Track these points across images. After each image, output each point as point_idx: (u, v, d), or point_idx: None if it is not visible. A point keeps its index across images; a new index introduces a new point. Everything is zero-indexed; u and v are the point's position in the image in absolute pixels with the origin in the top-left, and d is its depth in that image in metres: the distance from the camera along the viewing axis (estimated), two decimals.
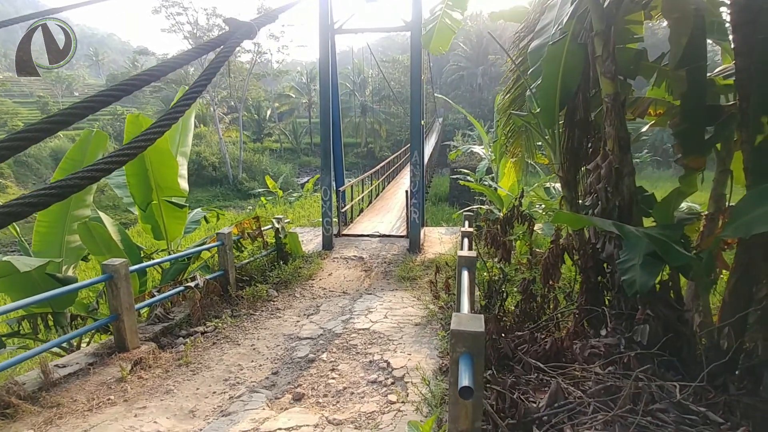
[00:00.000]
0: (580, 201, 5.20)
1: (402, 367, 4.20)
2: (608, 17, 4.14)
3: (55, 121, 0.92)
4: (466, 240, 5.60)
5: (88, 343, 5.75)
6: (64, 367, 4.21)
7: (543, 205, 12.12)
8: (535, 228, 7.18)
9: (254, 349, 4.89)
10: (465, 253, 3.97)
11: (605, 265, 4.46)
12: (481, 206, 14.10)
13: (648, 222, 4.38)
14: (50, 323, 5.48)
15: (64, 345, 5.69)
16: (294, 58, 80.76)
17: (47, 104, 48.26)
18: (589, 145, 5.37)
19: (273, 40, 40.63)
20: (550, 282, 5.01)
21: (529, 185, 14.70)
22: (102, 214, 6.60)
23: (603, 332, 3.88)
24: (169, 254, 7.07)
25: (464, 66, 57.31)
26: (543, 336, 4.03)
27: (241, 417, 3.54)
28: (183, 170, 7.24)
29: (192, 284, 5.74)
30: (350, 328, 5.29)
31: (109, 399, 3.82)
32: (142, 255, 7.28)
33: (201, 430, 3.41)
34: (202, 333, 5.30)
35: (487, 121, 32.83)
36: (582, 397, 2.58)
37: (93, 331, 5.62)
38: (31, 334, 5.44)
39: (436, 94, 39.03)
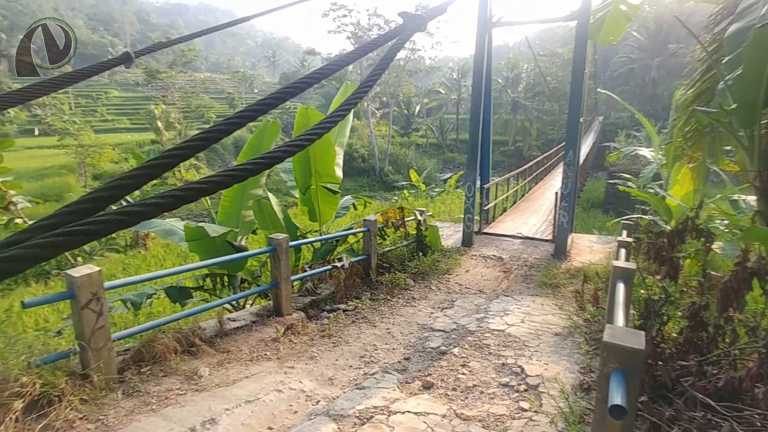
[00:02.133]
0: None
1: (537, 375, 3.98)
2: None
3: (243, 116, 1.05)
4: (623, 250, 5.04)
5: (251, 305, 6.65)
6: (234, 321, 4.94)
7: (726, 221, 10.25)
8: (712, 247, 6.14)
9: (389, 332, 5.11)
10: (622, 264, 3.58)
11: None
12: (643, 216, 12.50)
13: None
14: (225, 283, 6.48)
15: (233, 303, 6.67)
16: (446, 54, 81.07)
17: (234, 99, 56.67)
18: None
19: (427, 36, 41.45)
20: (730, 311, 4.23)
21: (708, 196, 12.57)
22: (270, 195, 7.54)
23: None
24: (321, 235, 7.76)
25: (636, 58, 50.99)
26: (715, 371, 3.43)
27: (373, 393, 3.74)
28: (339, 159, 7.84)
29: (339, 264, 6.22)
30: (484, 327, 5.19)
31: (265, 354, 4.38)
32: (298, 233, 8.13)
33: (338, 397, 3.69)
34: (344, 310, 5.72)
35: (660, 121, 28.86)
36: None
37: (255, 295, 6.48)
38: (211, 290, 6.51)
39: (599, 90, 35.56)
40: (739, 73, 4.24)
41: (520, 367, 4.17)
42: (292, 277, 5.62)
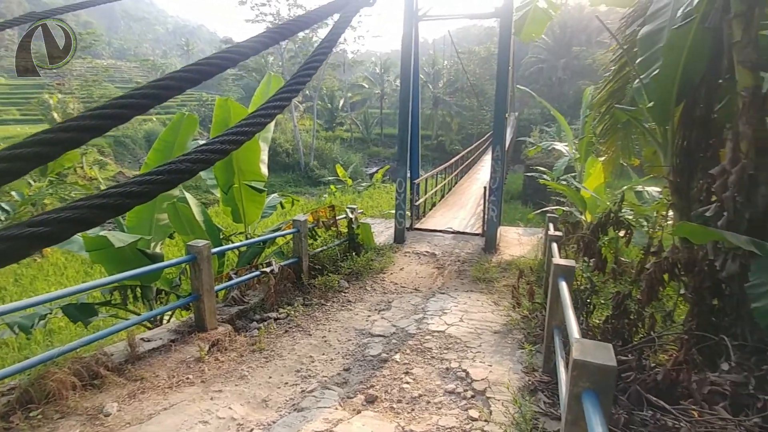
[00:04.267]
0: (694, 211, 4.57)
1: (482, 379, 3.89)
2: None
3: (147, 95, 0.75)
4: (554, 245, 5.14)
5: (169, 319, 5.99)
6: (149, 341, 4.35)
7: (632, 210, 11.13)
8: (620, 235, 6.57)
9: (325, 341, 4.80)
10: (563, 261, 3.57)
11: (723, 286, 3.88)
12: (559, 207, 13.22)
13: None
14: (138, 295, 5.75)
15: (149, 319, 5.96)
16: (368, 48, 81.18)
17: None
18: (708, 147, 4.70)
19: (350, 29, 41.03)
20: (653, 300, 4.46)
21: (617, 188, 13.59)
22: (188, 195, 6.84)
23: (725, 366, 3.33)
24: (247, 237, 7.22)
25: (544, 59, 54.43)
26: (653, 365, 3.54)
27: (314, 414, 3.42)
28: (264, 156, 7.33)
29: (268, 269, 5.78)
30: (424, 329, 5.05)
31: (187, 378, 3.88)
32: (222, 237, 7.50)
33: (274, 422, 3.33)
34: (275, 319, 5.31)
35: (567, 117, 30.98)
36: None
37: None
38: (120, 304, 5.74)
39: (518, 86, 37.44)
40: (655, 72, 4.42)
41: (464, 371, 4.06)
42: (216, 287, 5.09)
